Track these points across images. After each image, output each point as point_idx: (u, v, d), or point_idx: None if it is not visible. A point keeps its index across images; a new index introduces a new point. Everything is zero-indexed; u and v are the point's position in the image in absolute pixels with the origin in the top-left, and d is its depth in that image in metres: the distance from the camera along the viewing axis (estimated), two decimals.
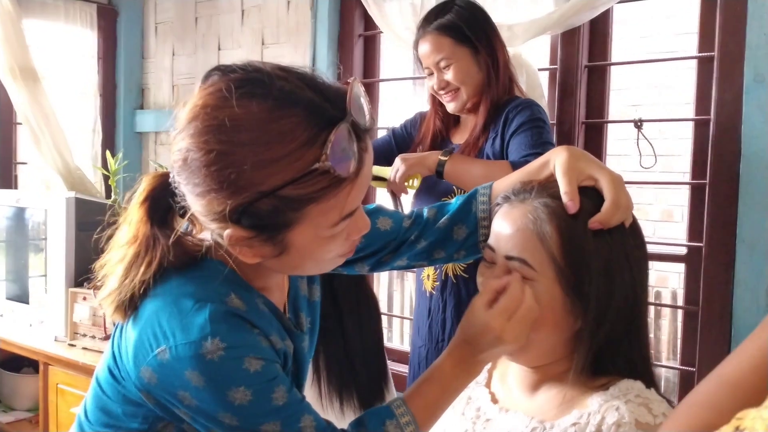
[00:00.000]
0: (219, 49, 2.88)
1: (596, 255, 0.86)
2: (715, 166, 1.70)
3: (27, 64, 2.75)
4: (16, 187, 3.08)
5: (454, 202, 1.09)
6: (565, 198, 0.88)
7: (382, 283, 3.91)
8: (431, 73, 1.72)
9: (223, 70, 0.78)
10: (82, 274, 2.39)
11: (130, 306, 0.84)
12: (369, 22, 2.37)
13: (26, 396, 2.64)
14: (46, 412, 2.39)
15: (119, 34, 3.14)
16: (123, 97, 3.15)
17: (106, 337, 2.32)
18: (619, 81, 2.13)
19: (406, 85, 2.55)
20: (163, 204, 0.85)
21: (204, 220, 0.80)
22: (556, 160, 0.92)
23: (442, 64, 1.68)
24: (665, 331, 3.11)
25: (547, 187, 0.91)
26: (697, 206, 1.81)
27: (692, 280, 1.82)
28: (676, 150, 3.57)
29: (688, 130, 3.45)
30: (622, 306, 0.87)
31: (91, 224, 2.46)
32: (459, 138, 1.79)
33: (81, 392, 2.24)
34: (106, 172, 2.56)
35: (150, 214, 0.84)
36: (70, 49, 3.02)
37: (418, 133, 1.87)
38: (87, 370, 2.21)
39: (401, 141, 1.91)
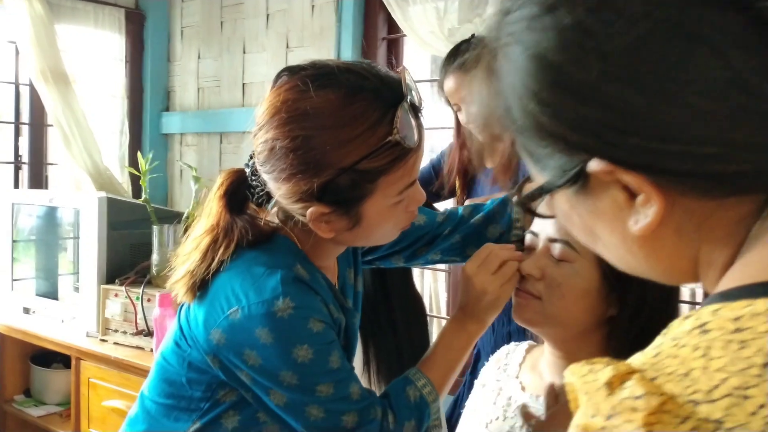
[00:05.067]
0: (244, 52, 2.95)
1: None
2: None
3: (58, 68, 2.82)
4: (46, 187, 3.16)
5: (490, 202, 1.15)
6: None
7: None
8: (459, 109, 1.81)
9: (291, 69, 0.89)
10: (113, 272, 2.46)
11: (200, 286, 0.93)
12: (393, 26, 2.42)
13: (56, 390, 2.70)
14: (78, 406, 2.45)
15: (146, 37, 3.22)
16: (150, 100, 3.22)
17: (138, 332, 2.38)
18: None
19: (426, 87, 2.60)
20: (240, 195, 0.95)
21: (287, 203, 0.90)
22: None
23: (468, 98, 1.77)
24: None
25: None
26: None
27: None
28: None
29: None
30: (658, 297, 0.91)
31: (121, 223, 2.55)
32: (491, 162, 1.86)
33: (112, 386, 2.30)
34: (136, 173, 2.63)
35: (229, 205, 0.94)
36: (98, 52, 3.10)
37: (446, 165, 1.98)
38: (118, 365, 2.27)
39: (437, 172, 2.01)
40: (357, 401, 0.91)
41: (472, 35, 1.87)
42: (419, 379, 0.98)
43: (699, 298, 2.93)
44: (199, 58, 3.15)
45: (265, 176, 0.91)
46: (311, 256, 0.96)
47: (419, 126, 0.90)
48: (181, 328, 0.97)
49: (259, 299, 0.87)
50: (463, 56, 1.76)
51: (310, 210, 0.88)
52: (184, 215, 2.59)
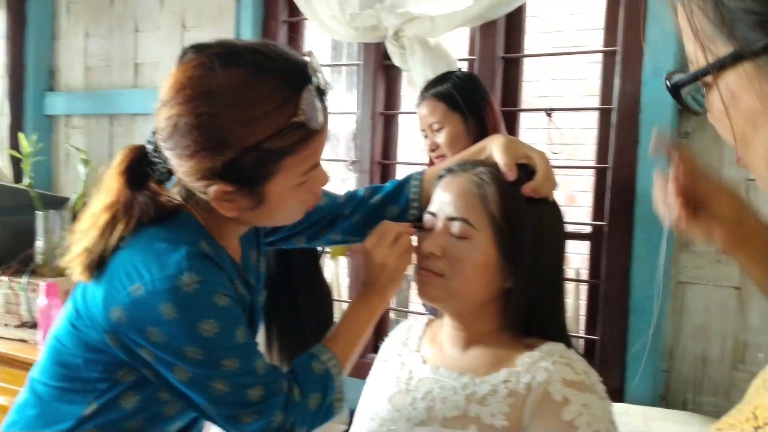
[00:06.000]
0: (136, 31, 2.83)
1: (529, 219, 0.96)
2: (617, 152, 1.86)
3: None
4: None
5: (389, 184, 1.18)
6: (504, 169, 0.99)
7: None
8: (426, 136, 1.86)
9: (198, 47, 0.89)
10: None
11: (98, 264, 0.91)
12: (294, 9, 2.40)
13: None
14: None
15: (29, 12, 3.02)
16: (32, 79, 3.03)
17: (21, 324, 2.26)
18: (529, 74, 2.27)
19: (326, 72, 2.60)
20: (140, 172, 0.93)
21: (189, 180, 0.89)
22: (494, 144, 1.04)
23: (435, 126, 1.82)
24: (569, 307, 3.34)
25: (485, 163, 1.02)
26: (600, 188, 1.97)
27: (595, 256, 1.98)
28: (580, 139, 3.80)
29: (592, 121, 3.68)
30: (547, 271, 0.98)
31: (2, 209, 2.39)
32: None
33: None
34: (18, 155, 2.48)
35: (129, 181, 0.92)
36: None
37: None
38: (1, 359, 2.15)
39: None
40: (262, 375, 0.91)
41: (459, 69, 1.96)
42: (324, 353, 0.99)
43: (583, 275, 3.12)
44: (86, 35, 2.99)
45: (167, 153, 0.89)
46: (214, 234, 0.96)
47: (324, 109, 0.91)
48: (76, 309, 0.94)
49: (162, 275, 0.85)
50: (438, 86, 1.83)
51: (212, 188, 0.88)
52: (72, 200, 2.47)
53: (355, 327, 1.03)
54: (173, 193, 0.96)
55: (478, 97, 1.83)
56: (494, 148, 1.03)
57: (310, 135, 0.88)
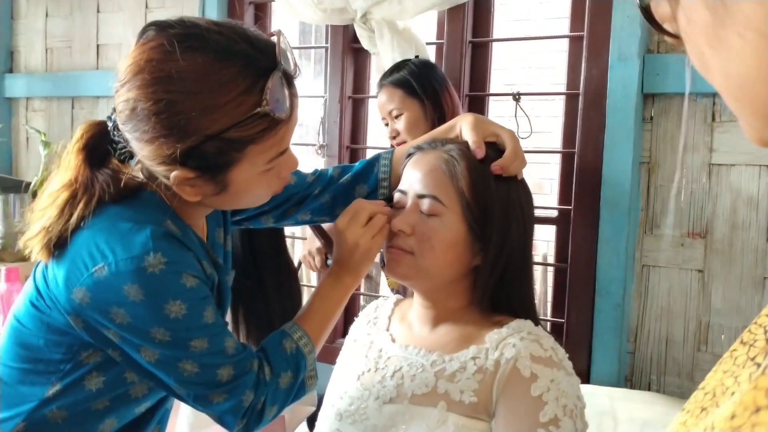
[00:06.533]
0: (98, 11, 2.76)
1: (497, 196, 0.96)
2: (583, 136, 1.88)
3: None
4: None
5: (358, 163, 1.17)
6: (473, 146, 0.98)
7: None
8: (386, 124, 1.88)
9: (159, 25, 0.84)
10: None
11: (58, 243, 0.88)
12: None
13: None
14: None
15: None
16: None
17: None
18: (497, 61, 2.28)
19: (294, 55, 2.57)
20: (101, 149, 0.90)
21: (150, 164, 0.86)
22: (463, 122, 1.03)
23: (394, 113, 1.84)
24: (537, 291, 3.39)
25: (454, 141, 1.01)
26: (567, 173, 1.99)
27: (562, 240, 2.00)
28: (546, 127, 3.83)
29: (558, 109, 3.71)
30: (515, 248, 0.98)
31: None
32: None
33: None
34: None
35: (89, 159, 0.89)
36: None
37: None
38: None
39: None
40: (232, 355, 0.90)
41: (416, 56, 1.96)
42: (295, 331, 0.98)
43: (550, 260, 3.15)
44: (47, 16, 2.91)
45: (127, 135, 0.87)
46: (179, 213, 0.93)
47: (292, 95, 0.87)
48: (37, 289, 0.91)
49: (127, 255, 0.83)
50: (396, 73, 1.84)
51: (173, 174, 0.85)
52: (32, 184, 2.41)
53: (327, 305, 1.02)
54: (136, 170, 0.93)
55: (435, 83, 1.84)
56: (463, 126, 1.02)
57: (275, 124, 0.85)
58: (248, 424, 0.92)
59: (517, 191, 1.00)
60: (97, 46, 2.77)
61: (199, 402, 0.90)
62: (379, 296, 2.86)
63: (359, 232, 0.99)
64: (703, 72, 0.44)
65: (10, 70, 3.00)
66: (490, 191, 0.96)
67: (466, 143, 1.00)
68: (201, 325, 0.87)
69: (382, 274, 2.00)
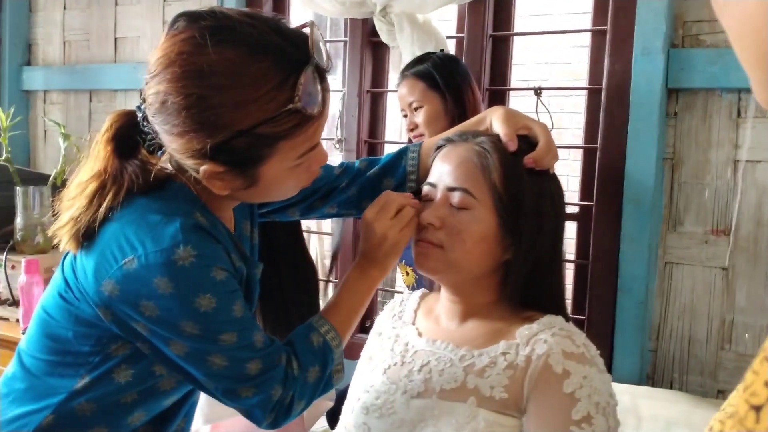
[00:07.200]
0: (116, 4, 2.76)
1: (529, 190, 0.95)
2: (605, 131, 1.86)
3: None
4: None
5: (385, 156, 1.15)
6: (505, 138, 0.97)
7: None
8: (405, 115, 1.85)
9: (190, 16, 0.83)
10: None
11: (86, 234, 0.87)
12: None
13: None
14: None
15: None
16: (8, 53, 2.95)
17: (2, 302, 2.22)
18: (517, 57, 2.26)
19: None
20: (130, 140, 0.90)
21: (179, 157, 0.85)
22: (493, 115, 1.01)
23: (414, 105, 1.81)
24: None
25: (485, 133, 1.00)
26: (589, 168, 1.97)
27: (583, 236, 1.98)
28: (565, 124, 3.81)
29: (576, 105, 3.68)
30: (546, 243, 0.96)
31: None
32: None
33: None
34: None
35: (117, 150, 0.88)
36: None
37: None
38: None
39: None
40: (261, 349, 0.89)
41: (441, 50, 1.93)
42: (323, 325, 0.97)
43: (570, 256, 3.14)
44: (64, 8, 2.91)
45: (156, 127, 0.86)
46: (208, 205, 0.92)
47: (324, 90, 0.86)
48: (66, 280, 0.90)
49: (157, 248, 0.82)
50: (419, 66, 1.82)
51: (202, 168, 0.84)
52: (51, 176, 2.42)
53: (354, 298, 1.01)
54: (164, 161, 0.93)
55: (458, 78, 1.81)
56: (494, 118, 1.01)
57: (307, 120, 0.84)
58: (276, 419, 0.91)
59: (550, 185, 0.98)
60: (115, 39, 2.77)
61: (227, 396, 0.89)
62: (395, 292, 2.86)
63: (387, 224, 0.98)
64: (717, 14, 0.41)
65: (28, 63, 3.01)
66: (523, 185, 0.95)
67: (497, 136, 0.98)
68: (230, 318, 0.86)
69: (398, 269, 1.98)
